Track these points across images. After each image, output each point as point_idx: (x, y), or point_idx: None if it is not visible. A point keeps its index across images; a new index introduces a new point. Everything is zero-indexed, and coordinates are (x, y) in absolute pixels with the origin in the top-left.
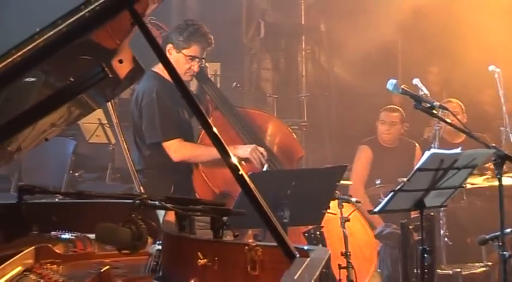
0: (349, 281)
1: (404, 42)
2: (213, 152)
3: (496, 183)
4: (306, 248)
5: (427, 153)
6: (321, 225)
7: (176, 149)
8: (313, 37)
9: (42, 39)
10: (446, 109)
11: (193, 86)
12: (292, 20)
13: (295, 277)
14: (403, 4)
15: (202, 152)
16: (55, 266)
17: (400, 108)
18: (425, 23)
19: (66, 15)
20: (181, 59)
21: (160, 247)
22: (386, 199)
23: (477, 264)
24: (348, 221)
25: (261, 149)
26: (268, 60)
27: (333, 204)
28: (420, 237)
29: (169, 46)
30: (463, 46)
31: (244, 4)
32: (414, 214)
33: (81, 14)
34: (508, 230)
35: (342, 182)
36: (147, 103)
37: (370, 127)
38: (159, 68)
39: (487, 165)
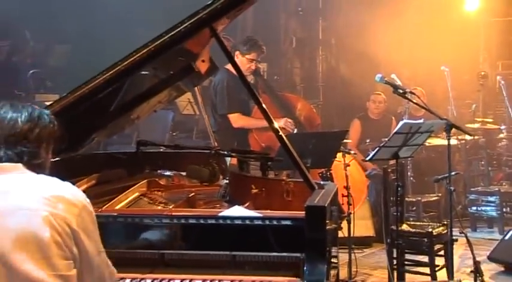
0: (348, 205)
1: (385, 51)
2: (258, 123)
3: (446, 142)
4: (321, 183)
5: (400, 123)
6: (331, 168)
7: (235, 120)
8: (327, 47)
9: (153, 45)
10: (414, 93)
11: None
12: (313, 35)
13: (315, 201)
14: (385, 28)
15: (251, 122)
16: (160, 192)
17: (382, 93)
18: (399, 38)
19: (168, 29)
20: (244, 61)
21: (227, 181)
22: (373, 152)
23: (432, 194)
24: (348, 166)
25: (290, 120)
26: (298, 62)
27: (339, 155)
28: (395, 177)
29: (237, 52)
30: (424, 53)
31: (282, 25)
32: (392, 162)
33: (179, 29)
34: (453, 173)
35: (344, 140)
36: (220, 88)
37: (362, 105)
38: (229, 66)
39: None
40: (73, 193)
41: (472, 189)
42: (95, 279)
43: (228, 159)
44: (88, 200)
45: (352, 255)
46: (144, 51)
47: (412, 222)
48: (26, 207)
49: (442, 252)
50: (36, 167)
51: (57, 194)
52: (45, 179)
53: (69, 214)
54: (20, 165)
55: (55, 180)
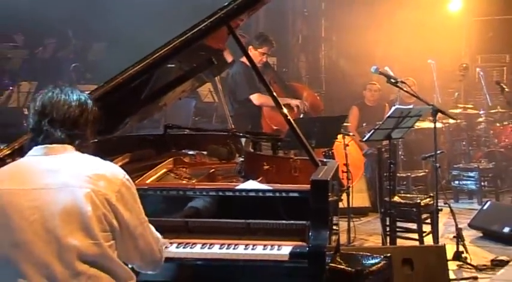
0: (348, 179)
1: (380, 47)
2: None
3: (432, 125)
4: (324, 160)
5: (393, 108)
6: (332, 148)
7: (257, 98)
8: (329, 44)
9: (178, 41)
10: (405, 83)
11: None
12: (316, 33)
13: (319, 176)
14: (380, 27)
15: (270, 100)
16: (184, 169)
17: (377, 83)
18: (391, 35)
19: (191, 27)
20: (257, 54)
21: (242, 159)
22: (369, 133)
23: (420, 170)
24: (348, 145)
25: (305, 103)
26: (303, 56)
27: (339, 136)
28: (388, 155)
29: (250, 47)
30: (413, 48)
31: (290, 25)
32: (385, 142)
33: (200, 27)
34: (438, 152)
35: (344, 124)
36: (239, 77)
37: (359, 93)
38: (244, 59)
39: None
40: (113, 171)
41: (455, 166)
42: (141, 246)
43: (243, 139)
44: (128, 177)
45: (351, 223)
46: (170, 46)
47: (402, 195)
48: (72, 184)
49: (428, 221)
50: (83, 148)
51: (98, 172)
52: (89, 158)
53: (109, 191)
54: (68, 146)
55: (97, 160)
